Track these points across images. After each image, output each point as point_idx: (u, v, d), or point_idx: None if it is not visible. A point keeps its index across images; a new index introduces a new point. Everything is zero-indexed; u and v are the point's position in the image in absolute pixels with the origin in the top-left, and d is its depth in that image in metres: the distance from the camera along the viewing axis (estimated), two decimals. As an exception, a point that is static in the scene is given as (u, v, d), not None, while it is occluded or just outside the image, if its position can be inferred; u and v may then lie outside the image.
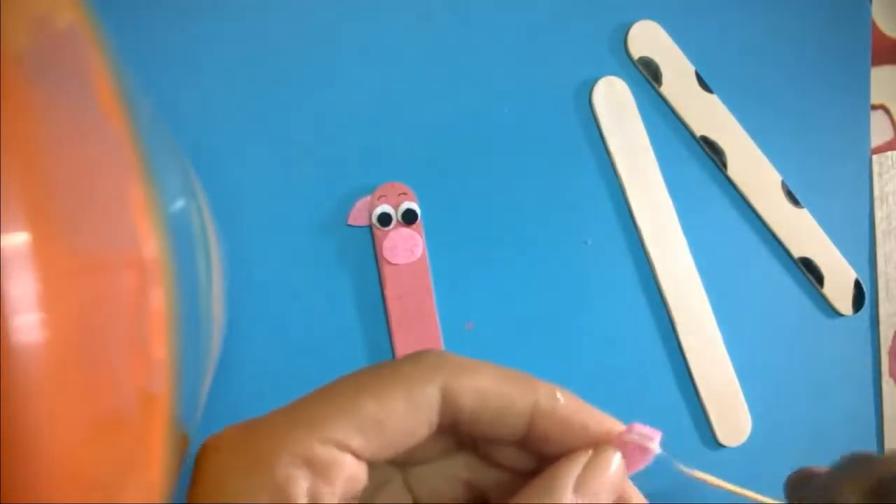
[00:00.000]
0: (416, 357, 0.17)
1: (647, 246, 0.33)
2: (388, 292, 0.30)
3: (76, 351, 0.11)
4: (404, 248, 0.30)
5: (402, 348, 0.31)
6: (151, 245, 0.14)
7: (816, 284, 0.35)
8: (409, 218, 0.30)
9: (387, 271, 0.30)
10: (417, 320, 0.31)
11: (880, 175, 0.36)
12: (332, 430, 0.16)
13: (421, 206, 0.31)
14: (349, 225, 0.30)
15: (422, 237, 0.31)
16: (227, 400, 0.30)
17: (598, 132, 0.33)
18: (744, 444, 0.34)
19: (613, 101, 0.33)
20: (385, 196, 0.30)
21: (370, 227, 0.30)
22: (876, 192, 0.36)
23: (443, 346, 0.31)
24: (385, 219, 0.30)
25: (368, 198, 0.30)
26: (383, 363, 0.17)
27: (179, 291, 0.15)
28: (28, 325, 0.10)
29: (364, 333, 0.31)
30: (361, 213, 0.30)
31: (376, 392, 0.16)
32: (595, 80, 0.33)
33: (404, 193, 0.30)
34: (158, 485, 0.14)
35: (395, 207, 0.30)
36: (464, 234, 0.32)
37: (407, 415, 0.16)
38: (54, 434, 0.11)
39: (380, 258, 0.30)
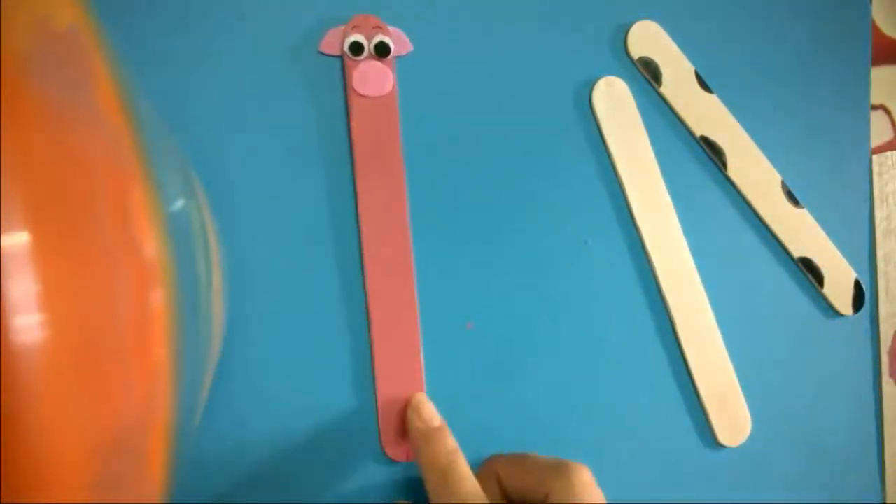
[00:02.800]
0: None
1: (647, 245, 0.33)
2: (355, 124, 0.30)
3: (76, 351, 0.11)
4: (375, 80, 0.30)
5: (364, 187, 0.30)
6: (151, 245, 0.14)
7: (816, 284, 0.35)
8: (382, 51, 0.30)
9: (355, 103, 0.30)
10: (383, 157, 0.30)
11: (880, 175, 0.36)
12: None
13: (418, 209, 0.31)
14: (320, 52, 0.30)
15: (393, 72, 0.30)
16: (227, 400, 0.30)
17: (598, 132, 0.33)
18: (744, 444, 0.34)
19: (613, 101, 0.33)
20: (359, 27, 0.30)
21: (341, 56, 0.30)
22: (876, 192, 0.36)
23: (405, 193, 0.31)
24: (357, 48, 0.29)
25: (341, 27, 0.30)
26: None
27: (179, 291, 0.15)
28: (28, 325, 0.10)
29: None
30: (333, 41, 0.30)
31: None
32: (595, 80, 0.33)
33: (378, 27, 0.30)
34: (158, 484, 0.14)
35: (369, 39, 0.30)
36: (463, 232, 0.32)
37: None
38: (54, 434, 0.11)
39: (349, 89, 0.30)
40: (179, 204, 0.18)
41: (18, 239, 0.10)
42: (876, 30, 0.37)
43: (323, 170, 0.31)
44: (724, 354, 0.34)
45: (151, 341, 0.14)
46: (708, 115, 0.34)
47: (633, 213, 0.33)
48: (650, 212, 0.33)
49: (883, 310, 0.36)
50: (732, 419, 0.33)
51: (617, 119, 0.33)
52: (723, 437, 0.33)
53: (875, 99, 0.36)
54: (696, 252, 0.34)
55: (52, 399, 0.11)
